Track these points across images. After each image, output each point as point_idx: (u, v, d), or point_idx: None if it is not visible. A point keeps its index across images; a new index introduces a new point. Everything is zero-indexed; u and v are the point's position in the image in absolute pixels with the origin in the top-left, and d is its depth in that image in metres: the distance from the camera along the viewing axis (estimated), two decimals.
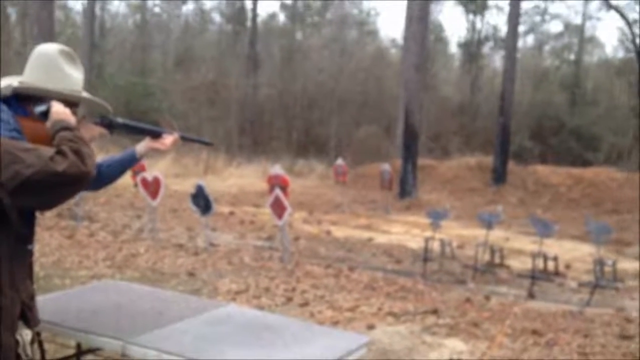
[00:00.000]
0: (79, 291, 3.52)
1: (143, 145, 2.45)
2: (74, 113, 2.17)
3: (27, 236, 2.02)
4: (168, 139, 2.46)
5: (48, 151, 1.78)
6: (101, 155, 2.54)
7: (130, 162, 2.46)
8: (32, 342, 2.01)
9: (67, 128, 1.92)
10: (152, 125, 2.50)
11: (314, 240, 9.57)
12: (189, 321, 2.78)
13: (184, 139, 2.55)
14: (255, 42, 27.23)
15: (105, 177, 2.40)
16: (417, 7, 16.45)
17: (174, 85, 23.67)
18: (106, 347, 2.67)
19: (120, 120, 2.34)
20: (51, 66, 2.11)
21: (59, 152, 1.78)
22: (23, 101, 2.07)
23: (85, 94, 2.23)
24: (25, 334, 1.97)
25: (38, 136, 1.97)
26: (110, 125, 2.32)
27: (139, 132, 2.44)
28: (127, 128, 2.39)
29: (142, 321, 2.73)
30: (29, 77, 2.12)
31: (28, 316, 2.00)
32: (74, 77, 2.16)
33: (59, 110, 2.00)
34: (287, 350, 2.48)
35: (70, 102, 2.15)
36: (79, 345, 3.19)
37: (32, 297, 2.03)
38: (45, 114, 2.00)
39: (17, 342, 1.93)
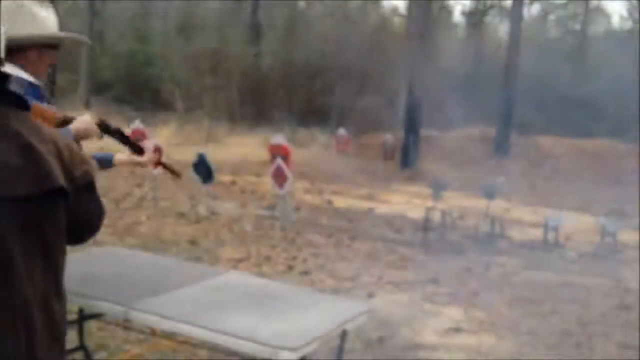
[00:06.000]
0: (80, 257, 3.53)
1: (125, 156, 2.53)
2: (54, 57, 2.08)
3: None
4: (147, 156, 2.51)
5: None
6: None
7: (105, 164, 2.53)
8: None
9: None
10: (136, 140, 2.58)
11: (315, 209, 9.59)
12: (190, 288, 2.80)
13: (161, 164, 2.61)
14: (258, 10, 26.92)
15: None
16: None
17: (175, 53, 23.44)
18: (108, 313, 2.69)
19: (112, 126, 2.38)
20: (20, 11, 1.99)
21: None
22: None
23: (62, 34, 2.13)
24: None
25: None
26: (106, 129, 2.34)
27: (124, 142, 2.47)
28: (117, 134, 2.41)
29: (143, 287, 2.75)
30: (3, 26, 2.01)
31: None
32: (47, 19, 2.04)
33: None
34: (287, 316, 2.50)
35: (50, 45, 2.07)
36: (81, 311, 3.23)
37: None
38: None
39: None
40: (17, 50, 1.97)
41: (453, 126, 21.12)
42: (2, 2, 2.00)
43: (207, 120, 18.47)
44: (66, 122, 2.16)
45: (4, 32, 1.92)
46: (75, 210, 1.62)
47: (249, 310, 2.55)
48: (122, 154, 2.55)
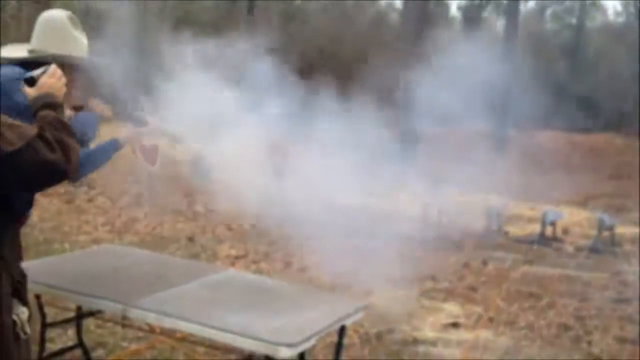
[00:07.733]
0: (79, 255, 3.54)
1: (128, 134, 2.53)
2: (78, 79, 2.13)
3: (30, 202, 2.00)
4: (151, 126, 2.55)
5: (30, 131, 1.66)
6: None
7: (113, 150, 2.55)
8: (29, 320, 1.94)
9: (51, 106, 1.77)
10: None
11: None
12: (188, 285, 2.79)
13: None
14: (254, 7, 26.89)
15: (86, 168, 2.39)
16: None
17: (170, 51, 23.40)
18: (106, 310, 2.69)
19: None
20: (63, 33, 2.08)
21: (42, 138, 1.65)
22: (30, 68, 1.99)
23: (96, 58, 2.23)
24: (21, 313, 1.91)
25: None
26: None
27: (129, 119, 2.52)
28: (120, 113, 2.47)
29: (141, 285, 2.75)
30: (40, 44, 2.07)
31: (22, 294, 1.93)
32: (83, 43, 2.14)
33: (49, 82, 1.83)
34: (285, 314, 2.50)
35: (81, 68, 2.13)
36: (79, 308, 3.22)
37: (23, 275, 1.97)
38: (33, 81, 1.82)
39: (14, 322, 1.87)
40: (46, 64, 2.01)
41: (450, 121, 21.11)
42: (46, 21, 2.08)
43: (206, 117, 18.41)
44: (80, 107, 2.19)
45: (31, 49, 2.00)
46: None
47: (247, 307, 2.55)
48: (126, 134, 2.60)
